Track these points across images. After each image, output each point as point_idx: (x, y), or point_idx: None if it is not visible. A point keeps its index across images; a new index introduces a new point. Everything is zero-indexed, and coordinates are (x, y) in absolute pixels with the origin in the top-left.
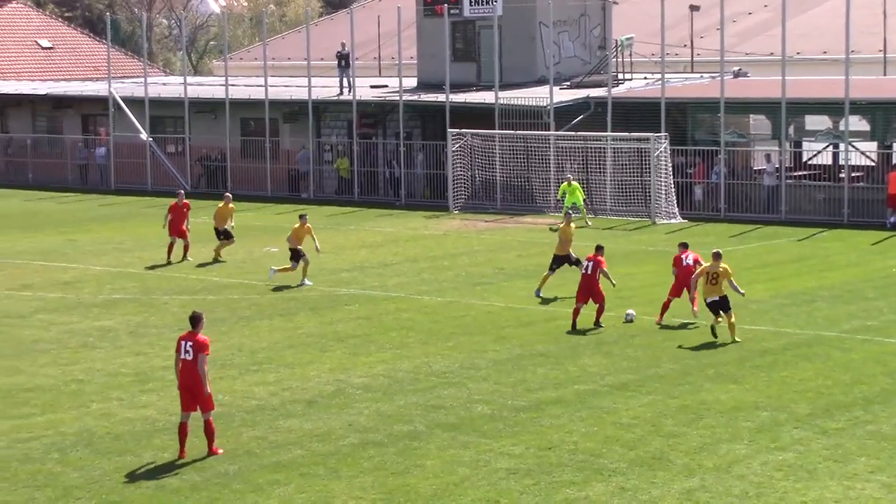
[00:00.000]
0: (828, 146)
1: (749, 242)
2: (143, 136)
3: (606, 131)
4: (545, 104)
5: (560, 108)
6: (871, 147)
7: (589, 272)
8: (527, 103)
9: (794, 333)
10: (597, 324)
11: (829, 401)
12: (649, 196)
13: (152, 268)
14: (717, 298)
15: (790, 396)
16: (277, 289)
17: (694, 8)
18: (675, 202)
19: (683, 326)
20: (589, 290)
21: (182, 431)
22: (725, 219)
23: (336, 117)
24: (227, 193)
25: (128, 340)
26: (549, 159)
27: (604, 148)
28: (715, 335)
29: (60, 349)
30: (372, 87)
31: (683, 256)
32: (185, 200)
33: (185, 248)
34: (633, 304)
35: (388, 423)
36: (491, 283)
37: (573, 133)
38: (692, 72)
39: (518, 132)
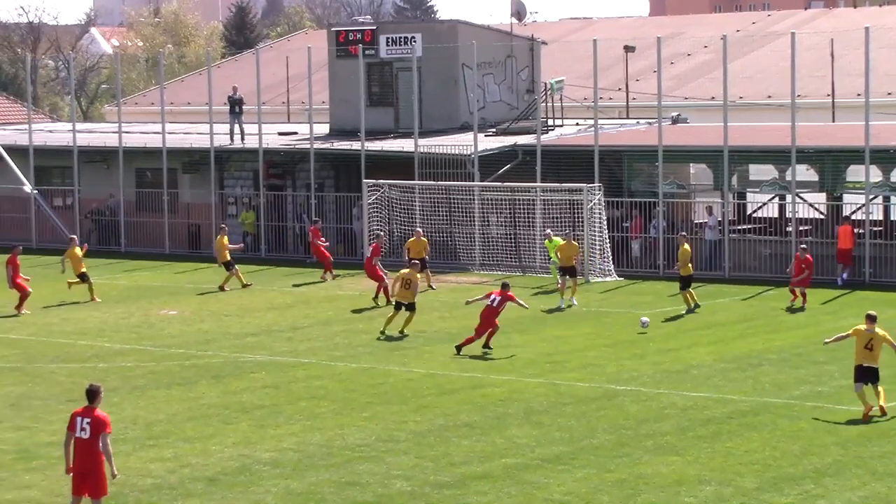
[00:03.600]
0: (773, 197)
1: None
2: (27, 188)
3: (535, 181)
4: (469, 152)
5: (485, 157)
6: (819, 198)
7: (495, 305)
8: (449, 151)
9: (739, 400)
10: (486, 346)
11: (777, 473)
12: (582, 251)
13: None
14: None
15: (735, 469)
16: (175, 356)
17: (629, 49)
18: (610, 258)
19: (618, 394)
20: (489, 321)
21: None
22: (665, 276)
23: (241, 167)
24: (73, 236)
25: (9, 414)
26: (473, 212)
27: (533, 199)
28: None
29: None
30: (280, 133)
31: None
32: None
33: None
34: (566, 369)
35: (298, 503)
36: (411, 348)
37: (499, 184)
38: (628, 117)
39: (440, 182)
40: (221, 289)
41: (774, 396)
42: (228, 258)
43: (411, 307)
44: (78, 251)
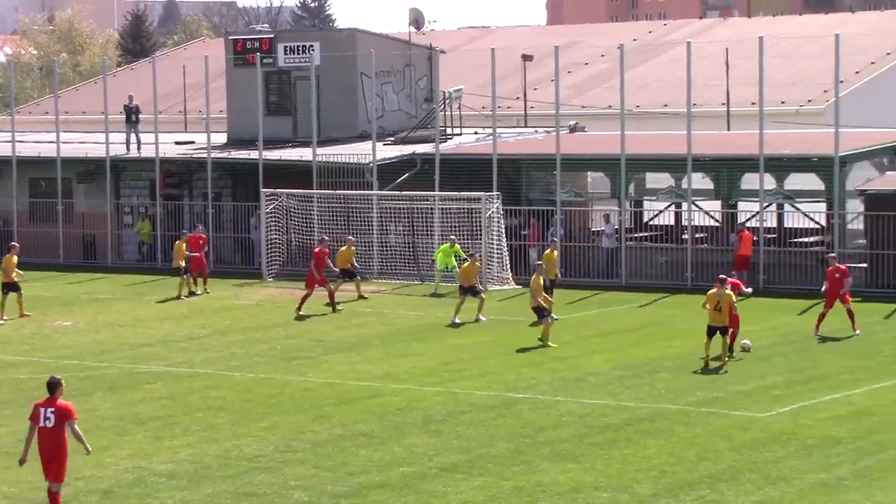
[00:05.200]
0: (670, 205)
1: (588, 309)
2: None
3: (434, 190)
4: (367, 161)
5: (384, 166)
6: (715, 206)
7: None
8: (347, 160)
9: (635, 407)
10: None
11: (672, 479)
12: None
13: None
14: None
15: (632, 475)
16: (70, 367)
17: (527, 58)
18: (508, 266)
19: (516, 402)
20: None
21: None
22: (562, 284)
23: (137, 176)
24: (14, 243)
25: None
26: (372, 220)
27: (431, 208)
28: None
29: None
30: (177, 143)
31: None
32: None
33: None
34: (464, 377)
35: None
36: (309, 357)
37: (398, 192)
38: (526, 126)
39: (338, 192)
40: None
41: (670, 403)
42: (182, 264)
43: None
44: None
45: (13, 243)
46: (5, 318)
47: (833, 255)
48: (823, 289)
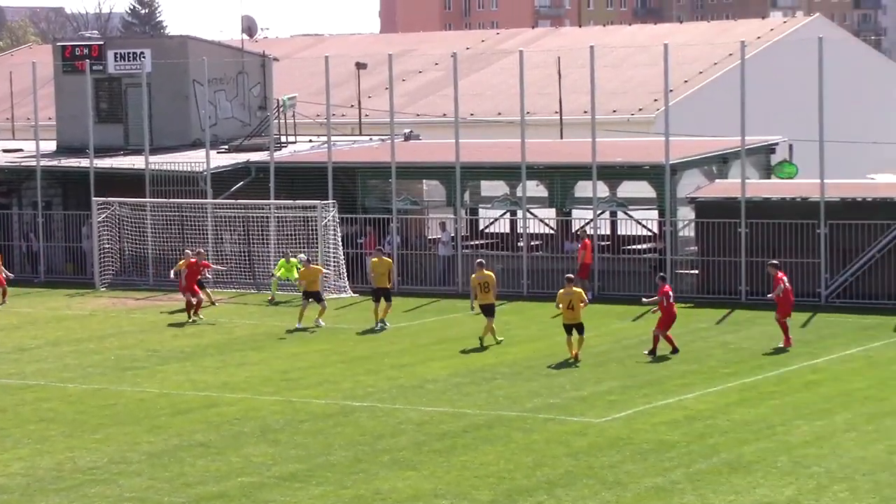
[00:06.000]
0: (505, 213)
1: (425, 317)
2: None
3: (269, 198)
4: (201, 169)
5: (218, 174)
6: (549, 214)
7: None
8: (181, 168)
9: (473, 414)
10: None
11: (511, 486)
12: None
13: None
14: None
15: (471, 482)
16: None
17: (360, 66)
18: (345, 275)
19: (354, 410)
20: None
21: None
22: (400, 292)
23: None
24: None
25: None
26: (207, 229)
27: (267, 216)
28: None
29: None
30: (5, 151)
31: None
32: None
33: None
34: (301, 386)
35: None
36: (143, 368)
37: (232, 201)
38: (361, 134)
39: (172, 200)
40: None
41: (508, 409)
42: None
43: None
44: None
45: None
46: None
47: (774, 262)
48: (770, 295)
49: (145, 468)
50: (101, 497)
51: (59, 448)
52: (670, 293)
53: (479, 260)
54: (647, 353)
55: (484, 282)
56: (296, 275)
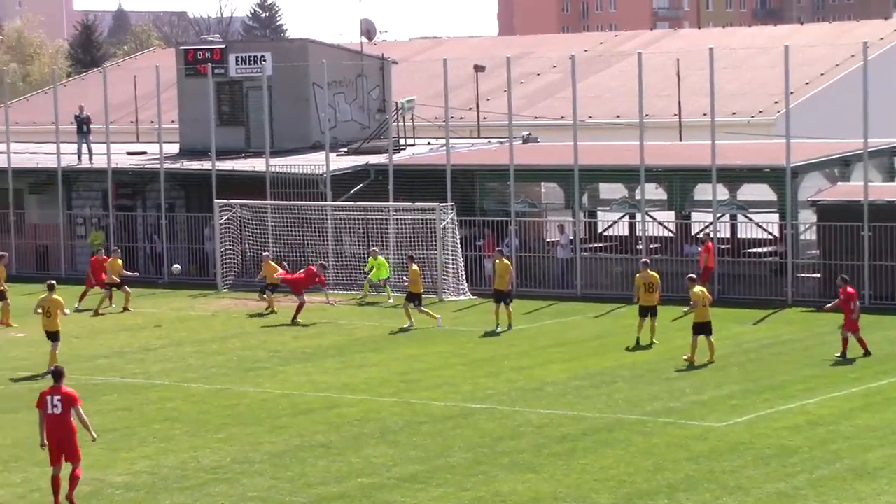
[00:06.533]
0: (624, 216)
1: (543, 320)
2: None
3: (388, 200)
4: (321, 172)
5: (337, 176)
6: (668, 217)
7: (60, 410)
8: (301, 171)
9: (593, 417)
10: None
11: (631, 489)
12: (436, 270)
13: None
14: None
15: (591, 486)
16: (24, 378)
17: (479, 68)
18: (463, 277)
19: (473, 412)
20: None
21: (56, 483)
22: (517, 294)
23: (89, 187)
24: (3, 253)
25: None
26: (326, 231)
27: (386, 219)
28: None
29: None
30: (129, 153)
31: None
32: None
33: None
34: (420, 387)
35: None
36: (265, 368)
37: (352, 203)
38: (479, 136)
39: (292, 202)
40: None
41: (628, 413)
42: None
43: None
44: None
45: (2, 253)
46: (21, 333)
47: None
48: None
49: (267, 468)
50: (224, 496)
51: (182, 447)
52: (852, 293)
53: (644, 260)
54: (837, 356)
55: (649, 282)
56: (387, 273)
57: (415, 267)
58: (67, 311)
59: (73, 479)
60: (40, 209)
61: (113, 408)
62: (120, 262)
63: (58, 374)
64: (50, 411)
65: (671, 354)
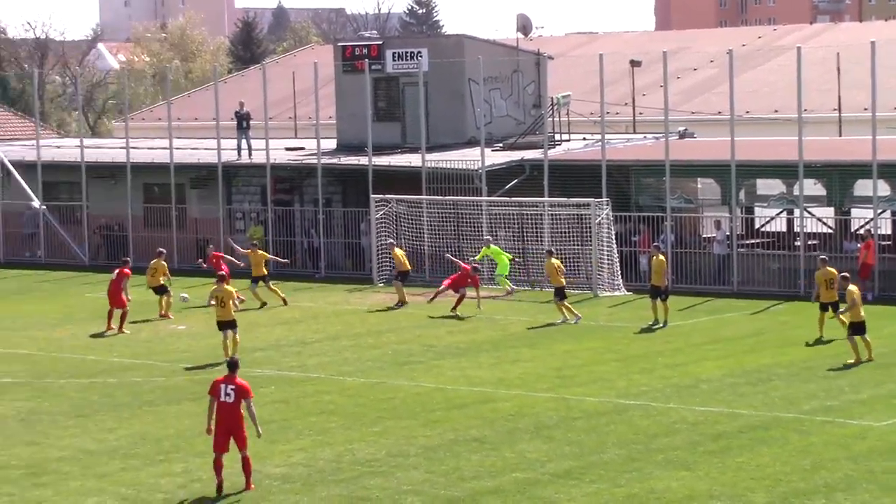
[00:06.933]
0: (781, 212)
1: (699, 316)
2: (36, 203)
3: (543, 196)
4: (476, 167)
5: (492, 172)
6: (827, 213)
7: (232, 399)
8: (456, 166)
9: (749, 415)
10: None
11: (787, 489)
12: (590, 266)
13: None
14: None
15: (746, 484)
16: (184, 371)
17: (635, 64)
18: (618, 272)
19: (627, 409)
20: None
21: (218, 465)
22: (673, 290)
23: (248, 182)
24: (161, 249)
25: (18, 429)
26: (481, 226)
27: (541, 214)
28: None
29: None
30: (287, 149)
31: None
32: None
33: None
34: (575, 383)
35: None
36: (420, 362)
37: (507, 198)
38: (634, 132)
39: (447, 197)
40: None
41: (785, 411)
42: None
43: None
44: (164, 263)
45: (161, 249)
46: (182, 326)
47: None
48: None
49: (422, 461)
50: (379, 489)
51: (338, 440)
52: None
53: (822, 256)
54: None
55: (829, 278)
56: (507, 266)
57: (553, 261)
58: (240, 299)
59: (247, 467)
60: (201, 204)
61: (270, 400)
62: (262, 252)
63: (233, 365)
64: (222, 399)
65: (831, 352)
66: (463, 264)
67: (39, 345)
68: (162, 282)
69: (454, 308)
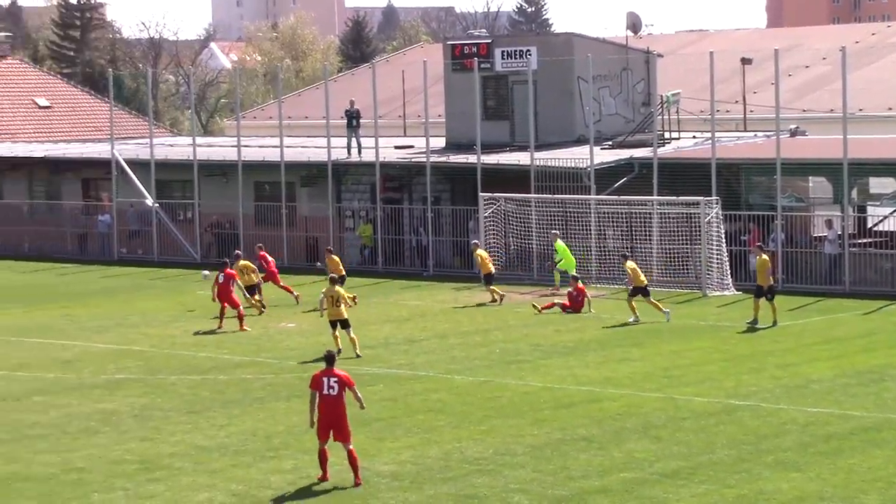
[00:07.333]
0: (894, 211)
1: (810, 316)
2: (149, 201)
3: (652, 195)
4: (585, 165)
5: (601, 170)
6: None
7: (336, 392)
8: (565, 165)
9: (861, 416)
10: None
11: None
12: (699, 265)
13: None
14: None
15: (858, 486)
16: (294, 368)
17: (746, 61)
18: (728, 272)
19: (737, 409)
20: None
21: (323, 456)
22: (783, 290)
23: (357, 180)
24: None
25: (132, 424)
26: (590, 225)
27: (650, 213)
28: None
29: (59, 434)
30: (396, 147)
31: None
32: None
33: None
34: (683, 383)
35: None
36: (527, 361)
37: (616, 197)
38: (745, 130)
39: (556, 196)
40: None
41: None
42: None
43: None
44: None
45: (237, 251)
46: (291, 323)
47: None
48: None
49: (529, 460)
50: (486, 487)
51: (446, 438)
52: None
53: None
54: None
55: None
56: (574, 263)
57: (629, 263)
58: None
59: (354, 461)
60: (311, 202)
61: (378, 398)
62: (336, 258)
63: (330, 358)
64: (325, 392)
65: None
66: (578, 285)
67: (152, 341)
68: (254, 280)
69: (542, 307)
